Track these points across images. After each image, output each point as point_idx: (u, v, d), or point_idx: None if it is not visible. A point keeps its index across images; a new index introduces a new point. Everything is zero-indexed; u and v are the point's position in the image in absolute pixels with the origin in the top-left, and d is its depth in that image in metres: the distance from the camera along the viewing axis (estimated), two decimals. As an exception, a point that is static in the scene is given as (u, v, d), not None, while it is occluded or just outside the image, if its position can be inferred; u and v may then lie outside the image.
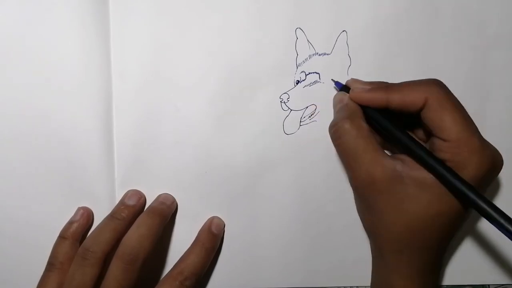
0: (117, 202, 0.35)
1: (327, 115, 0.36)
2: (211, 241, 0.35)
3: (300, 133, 0.36)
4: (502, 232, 0.28)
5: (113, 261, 0.32)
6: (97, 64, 0.34)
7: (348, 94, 0.33)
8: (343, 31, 0.35)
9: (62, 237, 0.34)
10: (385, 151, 0.32)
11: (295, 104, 0.36)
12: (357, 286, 0.38)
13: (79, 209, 0.35)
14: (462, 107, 0.31)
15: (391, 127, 0.32)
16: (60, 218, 0.35)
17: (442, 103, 0.30)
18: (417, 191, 0.30)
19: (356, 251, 0.37)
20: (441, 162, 0.30)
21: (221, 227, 0.36)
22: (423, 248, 0.32)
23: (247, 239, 0.37)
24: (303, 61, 0.35)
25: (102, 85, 0.34)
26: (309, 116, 0.36)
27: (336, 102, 0.34)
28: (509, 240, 0.37)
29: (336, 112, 0.34)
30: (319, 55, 0.36)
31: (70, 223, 0.35)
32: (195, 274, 0.34)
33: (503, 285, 0.38)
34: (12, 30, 0.33)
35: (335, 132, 0.32)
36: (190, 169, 0.36)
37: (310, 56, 0.35)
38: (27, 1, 0.33)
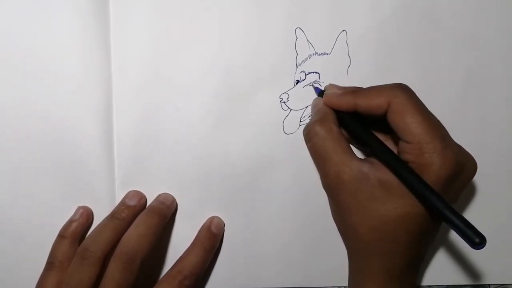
0: (117, 202, 0.35)
1: (327, 115, 0.36)
2: (211, 240, 0.35)
3: (300, 132, 0.36)
4: (458, 234, 0.28)
5: (111, 261, 0.32)
6: (97, 64, 0.34)
7: (322, 100, 0.34)
8: (342, 30, 0.35)
9: (61, 236, 0.34)
10: (360, 156, 0.32)
11: (295, 104, 0.36)
12: (357, 286, 0.37)
13: (78, 208, 0.35)
14: (426, 110, 0.31)
15: (359, 130, 0.33)
16: (60, 217, 0.35)
17: (405, 107, 0.30)
18: (383, 193, 0.31)
19: (356, 251, 0.37)
20: (403, 163, 0.30)
21: (221, 227, 0.36)
22: (390, 251, 0.32)
23: (247, 238, 0.37)
24: (303, 60, 0.35)
25: (102, 85, 0.34)
26: (309, 116, 0.36)
27: (313, 106, 0.36)
28: (510, 240, 0.37)
29: (311, 116, 0.35)
30: (319, 54, 0.36)
31: (70, 222, 0.35)
32: (194, 274, 0.34)
33: (503, 285, 0.38)
34: (12, 30, 0.34)
35: (307, 134, 0.34)
36: (190, 169, 0.36)
37: (310, 56, 0.35)
38: (27, 0, 0.33)
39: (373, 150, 0.32)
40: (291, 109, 0.36)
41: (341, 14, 0.35)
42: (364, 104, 0.32)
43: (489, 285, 0.38)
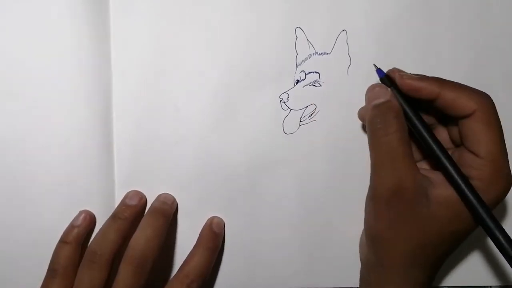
0: (117, 202, 0.35)
1: (326, 115, 0.36)
2: (214, 240, 0.35)
3: (299, 132, 0.36)
4: (508, 262, 0.29)
5: (122, 265, 0.32)
6: (97, 64, 0.34)
7: (389, 90, 0.32)
8: (343, 30, 0.35)
9: (64, 241, 0.34)
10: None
11: (295, 104, 0.36)
12: (357, 287, 0.37)
13: (80, 212, 0.35)
14: (502, 129, 0.30)
15: (426, 132, 0.31)
16: (59, 218, 0.35)
17: (489, 119, 0.30)
18: (439, 209, 0.30)
19: (356, 252, 0.37)
20: (467, 180, 0.30)
21: (222, 226, 0.36)
22: (428, 264, 0.32)
23: (247, 239, 0.37)
24: (303, 60, 0.35)
25: (102, 86, 0.34)
26: (309, 116, 0.36)
27: (376, 94, 0.32)
28: None
29: (378, 107, 0.31)
30: (319, 54, 0.35)
31: (72, 227, 0.34)
32: (201, 276, 0.33)
33: (504, 285, 0.38)
34: (12, 30, 0.34)
35: (382, 129, 0.31)
36: (190, 169, 0.36)
37: (310, 56, 0.35)
38: (26, 1, 0.33)
39: (435, 157, 0.30)
40: (291, 109, 0.36)
41: (341, 13, 0.35)
42: (451, 98, 0.30)
43: (490, 286, 0.38)
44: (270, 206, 0.36)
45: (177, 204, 0.36)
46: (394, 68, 0.32)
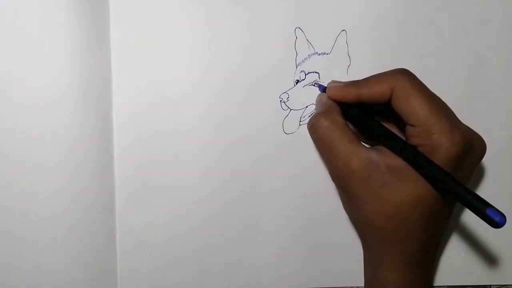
0: (117, 202, 0.35)
1: (326, 115, 0.36)
2: None
3: (299, 132, 0.36)
4: (475, 213, 0.27)
5: None
6: (97, 64, 0.34)
7: (326, 94, 0.34)
8: (342, 30, 0.35)
9: None
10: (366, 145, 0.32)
11: (295, 104, 0.36)
12: (357, 287, 0.37)
13: None
14: (430, 91, 0.31)
15: (364, 119, 0.32)
16: (58, 218, 0.35)
17: (407, 90, 0.30)
18: (394, 179, 0.30)
19: (355, 251, 0.37)
20: (411, 147, 0.30)
21: None
22: (406, 238, 0.31)
23: (247, 238, 0.37)
24: (303, 60, 0.35)
25: (102, 86, 0.34)
26: (309, 116, 0.36)
27: (317, 102, 0.35)
28: (510, 241, 0.37)
29: (315, 111, 0.35)
30: (319, 54, 0.36)
31: None
32: None
33: (504, 285, 0.38)
34: (11, 30, 0.33)
35: (312, 126, 0.33)
36: (190, 169, 0.36)
37: (309, 56, 0.35)
38: (26, 1, 0.33)
39: (380, 138, 0.32)
40: (291, 109, 0.36)
41: (341, 13, 0.35)
42: (367, 92, 0.32)
43: (490, 285, 0.38)
44: (270, 206, 0.36)
45: None
46: (331, 81, 0.35)
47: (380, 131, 0.32)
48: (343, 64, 0.36)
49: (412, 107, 0.30)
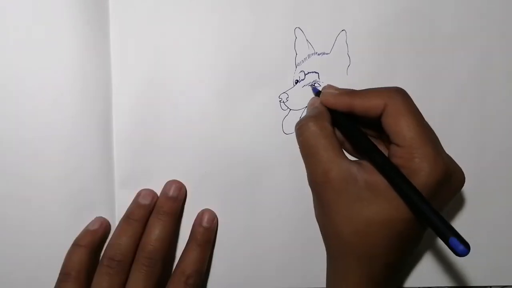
0: (117, 202, 0.35)
1: (326, 115, 0.36)
2: (204, 235, 0.35)
3: (299, 132, 0.36)
4: (443, 241, 0.27)
5: (134, 267, 0.33)
6: (97, 64, 0.34)
7: (319, 99, 0.34)
8: (342, 30, 0.35)
9: (78, 245, 0.34)
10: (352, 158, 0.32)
11: (294, 104, 0.36)
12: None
13: (97, 218, 0.35)
14: (421, 115, 0.31)
15: (352, 129, 0.33)
16: (59, 218, 0.35)
17: (399, 110, 0.31)
18: (370, 195, 0.30)
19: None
20: (394, 166, 0.30)
21: (212, 219, 0.36)
22: (371, 255, 0.31)
23: (246, 238, 0.37)
24: (302, 60, 0.35)
25: (102, 86, 0.34)
26: (308, 116, 0.36)
27: (309, 105, 0.36)
28: (510, 241, 0.36)
29: (306, 113, 0.36)
30: (318, 54, 0.36)
31: (87, 231, 0.34)
32: (197, 271, 0.34)
33: (505, 286, 0.38)
34: (10, 30, 0.34)
35: (299, 129, 0.33)
36: (190, 169, 0.36)
37: (309, 56, 0.35)
38: (26, 1, 0.33)
39: (364, 150, 0.32)
40: (290, 109, 0.36)
41: (341, 14, 0.35)
42: (361, 104, 0.32)
43: (490, 286, 0.38)
44: (269, 205, 0.37)
45: (185, 190, 0.36)
46: (327, 85, 0.35)
47: (365, 144, 0.32)
48: (343, 64, 0.36)
49: (400, 127, 0.30)
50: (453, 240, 0.27)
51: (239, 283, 0.37)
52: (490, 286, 0.38)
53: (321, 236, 0.37)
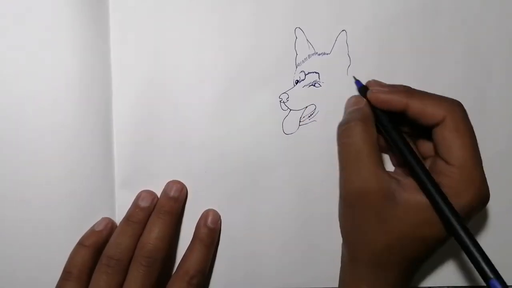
0: (117, 202, 0.35)
1: (326, 115, 0.36)
2: (209, 236, 0.35)
3: (299, 133, 0.36)
4: (482, 278, 0.28)
5: (132, 266, 0.33)
6: (97, 64, 0.34)
7: (364, 99, 0.33)
8: (342, 30, 0.35)
9: (82, 244, 0.34)
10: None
11: (295, 104, 0.36)
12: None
13: (103, 219, 0.35)
14: (474, 135, 0.31)
15: (398, 140, 0.32)
16: (59, 218, 0.35)
17: (459, 126, 0.30)
18: (407, 213, 0.30)
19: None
20: (438, 187, 0.30)
21: (216, 220, 0.36)
22: (397, 266, 0.32)
23: (247, 239, 0.37)
24: (303, 60, 0.35)
25: (102, 86, 0.34)
26: (309, 116, 0.36)
27: (351, 104, 0.34)
28: (509, 241, 0.37)
29: (349, 113, 0.34)
30: (319, 54, 0.35)
31: (93, 231, 0.35)
32: (200, 271, 0.34)
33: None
34: (10, 30, 0.33)
35: (345, 131, 0.32)
36: (190, 169, 0.36)
37: (309, 56, 0.35)
38: (26, 1, 0.33)
39: (408, 164, 0.31)
40: (290, 109, 0.36)
41: (341, 14, 0.35)
42: (418, 108, 0.31)
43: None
44: (269, 206, 0.37)
45: (186, 191, 0.36)
46: (372, 80, 0.34)
47: (410, 157, 0.31)
48: (343, 64, 0.36)
49: (456, 145, 0.30)
50: (493, 282, 0.27)
51: (239, 283, 0.37)
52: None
53: (321, 236, 0.37)
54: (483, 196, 0.30)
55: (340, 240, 0.36)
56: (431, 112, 0.30)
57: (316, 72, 0.36)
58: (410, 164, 0.31)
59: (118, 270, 0.33)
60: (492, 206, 0.37)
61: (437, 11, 0.36)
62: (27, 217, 0.35)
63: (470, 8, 0.36)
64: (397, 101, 0.31)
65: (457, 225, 0.29)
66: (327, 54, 0.36)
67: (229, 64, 0.35)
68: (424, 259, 0.33)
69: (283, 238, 0.37)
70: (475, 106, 0.37)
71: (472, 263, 0.28)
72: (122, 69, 0.34)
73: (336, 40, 0.35)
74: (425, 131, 0.33)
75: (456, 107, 0.31)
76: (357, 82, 0.35)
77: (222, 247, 0.37)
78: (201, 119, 0.35)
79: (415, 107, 0.31)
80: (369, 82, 0.34)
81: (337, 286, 0.37)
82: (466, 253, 0.29)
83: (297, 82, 0.36)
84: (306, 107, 0.36)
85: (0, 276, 0.35)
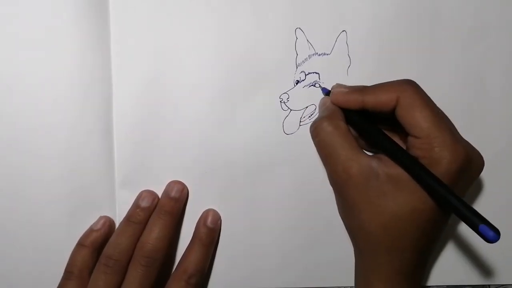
0: (117, 202, 0.35)
1: (326, 115, 0.36)
2: (208, 235, 0.35)
3: (299, 133, 0.36)
4: (472, 229, 0.28)
5: (131, 266, 0.33)
6: (97, 64, 0.34)
7: (329, 98, 0.34)
8: (342, 31, 0.35)
9: (81, 244, 0.34)
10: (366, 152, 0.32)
11: (295, 104, 0.36)
12: (357, 286, 0.38)
13: (101, 217, 0.35)
14: (434, 104, 0.31)
15: (367, 126, 0.33)
16: (59, 218, 0.35)
17: (413, 101, 0.31)
18: (392, 188, 0.30)
19: (356, 251, 0.37)
20: (413, 159, 0.30)
21: (216, 220, 0.36)
22: (399, 248, 0.32)
23: (247, 238, 0.37)
24: (303, 61, 0.35)
25: (102, 86, 0.34)
26: (309, 116, 0.36)
27: (320, 105, 0.35)
28: (509, 241, 0.37)
29: (318, 114, 0.35)
30: (319, 55, 0.35)
31: (91, 231, 0.35)
32: (199, 271, 0.34)
33: (503, 285, 0.38)
34: (11, 30, 0.33)
35: (314, 130, 0.33)
36: (190, 169, 0.36)
37: (309, 56, 0.35)
38: (26, 1, 0.33)
39: (382, 146, 0.32)
40: (291, 110, 0.36)
41: (341, 14, 0.35)
42: (372, 100, 0.32)
43: (489, 285, 0.38)
44: (269, 205, 0.37)
45: (187, 191, 0.36)
46: (336, 84, 0.35)
47: (382, 139, 0.32)
48: (343, 64, 0.36)
49: (416, 119, 0.30)
50: (483, 227, 0.27)
51: (239, 282, 0.37)
52: (489, 285, 0.38)
53: (321, 236, 0.37)
54: (463, 155, 0.30)
55: (340, 239, 0.36)
56: (385, 99, 0.31)
57: (317, 73, 0.36)
58: (381, 143, 0.32)
59: (116, 270, 0.33)
60: (492, 206, 0.37)
61: (437, 11, 0.36)
62: (27, 217, 0.35)
63: (470, 8, 0.36)
64: (353, 100, 0.33)
65: (437, 186, 0.29)
66: (327, 54, 0.36)
67: (229, 64, 0.35)
68: (429, 237, 0.32)
69: (283, 237, 0.37)
70: (475, 106, 0.37)
71: (460, 217, 0.28)
72: (122, 69, 0.34)
73: (336, 41, 0.35)
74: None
75: (405, 86, 0.31)
76: (323, 89, 0.36)
77: (221, 246, 0.37)
78: (201, 119, 0.35)
79: (370, 101, 0.32)
80: (333, 86, 0.35)
81: (336, 285, 0.37)
82: (454, 211, 0.28)
83: (298, 82, 0.36)
84: (307, 107, 0.36)
85: (0, 275, 0.35)
